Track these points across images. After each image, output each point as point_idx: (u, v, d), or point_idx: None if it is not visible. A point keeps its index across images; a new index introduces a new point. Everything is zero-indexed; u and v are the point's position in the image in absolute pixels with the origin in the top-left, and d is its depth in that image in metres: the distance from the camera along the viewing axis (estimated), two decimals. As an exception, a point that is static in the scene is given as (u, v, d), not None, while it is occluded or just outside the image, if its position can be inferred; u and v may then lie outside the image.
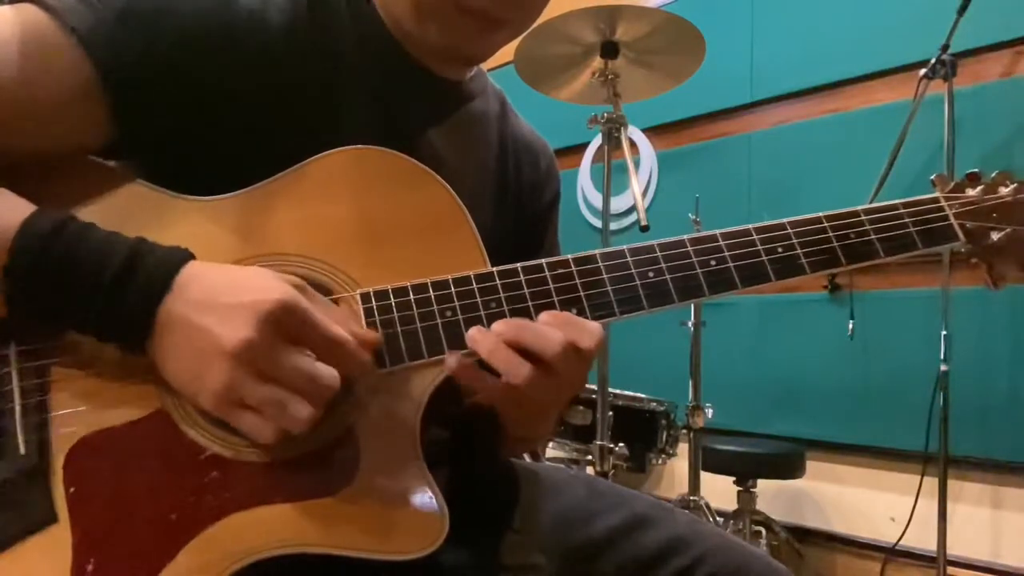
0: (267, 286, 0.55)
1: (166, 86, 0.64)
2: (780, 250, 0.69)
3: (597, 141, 2.45)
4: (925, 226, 0.71)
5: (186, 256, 0.58)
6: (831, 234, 0.69)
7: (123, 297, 0.55)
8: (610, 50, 1.73)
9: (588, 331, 0.62)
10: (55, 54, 0.60)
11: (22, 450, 0.55)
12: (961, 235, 0.72)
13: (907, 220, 0.71)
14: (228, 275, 0.57)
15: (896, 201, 0.72)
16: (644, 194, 2.99)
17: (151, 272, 0.55)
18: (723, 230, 0.69)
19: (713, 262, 0.68)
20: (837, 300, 2.49)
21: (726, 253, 0.68)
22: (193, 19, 0.64)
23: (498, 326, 0.62)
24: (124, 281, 0.55)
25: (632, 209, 2.83)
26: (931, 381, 2.06)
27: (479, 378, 0.63)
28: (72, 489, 0.55)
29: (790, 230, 0.69)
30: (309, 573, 0.57)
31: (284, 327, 0.55)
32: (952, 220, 0.72)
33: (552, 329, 0.61)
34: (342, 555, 0.56)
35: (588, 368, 0.65)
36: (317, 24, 0.71)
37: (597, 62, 1.77)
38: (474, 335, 0.62)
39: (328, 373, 0.56)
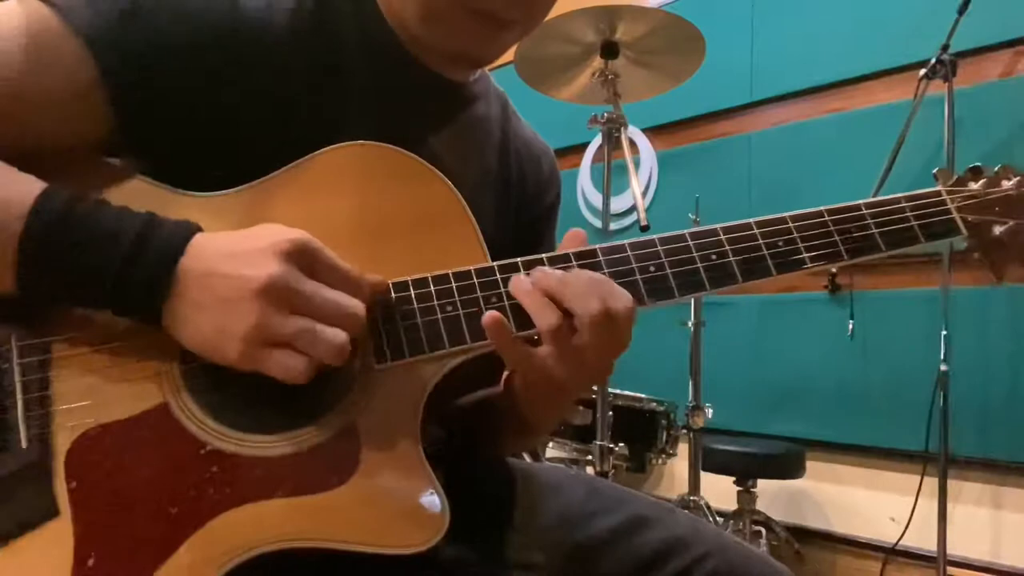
0: (280, 229, 0.58)
1: (168, 85, 0.64)
2: (781, 244, 0.68)
3: (597, 141, 2.45)
4: (927, 220, 0.70)
5: (196, 227, 0.59)
6: (832, 228, 0.69)
7: (140, 260, 0.56)
8: (610, 50, 1.73)
9: (618, 294, 0.62)
10: (58, 50, 0.60)
11: (24, 444, 0.56)
12: (963, 229, 0.71)
13: (909, 214, 0.70)
14: (238, 232, 0.59)
15: (898, 195, 0.71)
16: (644, 194, 2.98)
17: (166, 237, 0.57)
18: (724, 224, 0.69)
19: (714, 256, 0.68)
20: (837, 300, 2.49)
21: (727, 247, 0.68)
22: (197, 19, 0.65)
23: (538, 273, 0.63)
24: (140, 244, 0.56)
25: (632, 209, 2.83)
26: (931, 381, 2.06)
27: (511, 341, 0.63)
28: (74, 483, 0.55)
29: (791, 224, 0.69)
30: (310, 567, 0.57)
31: (304, 262, 0.57)
32: (954, 214, 0.71)
33: (591, 295, 0.61)
34: (343, 549, 0.56)
35: (617, 346, 0.64)
36: (321, 25, 0.71)
37: (597, 62, 1.77)
38: (515, 280, 0.63)
39: (353, 300, 0.58)
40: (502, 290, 0.64)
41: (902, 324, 2.34)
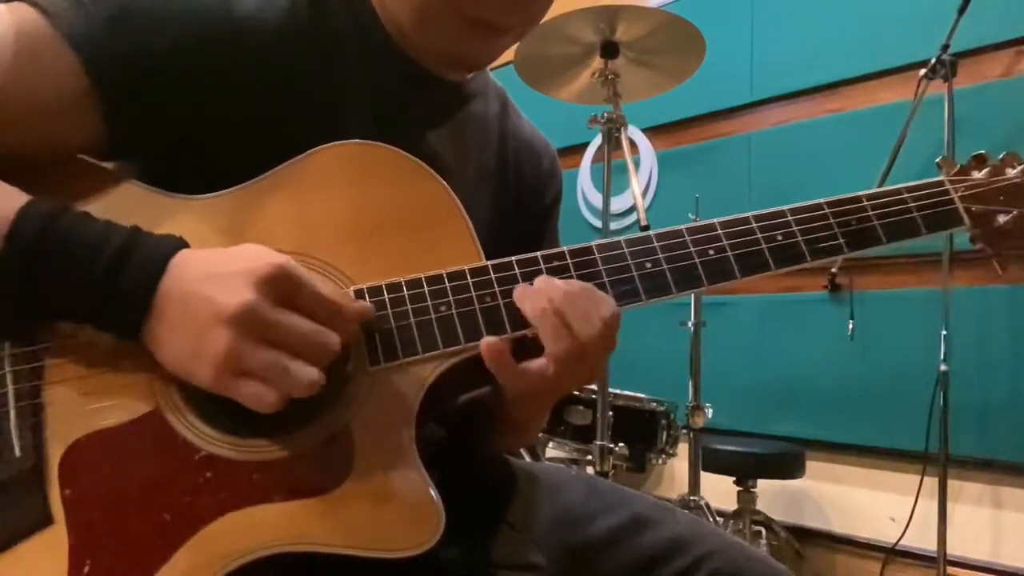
0: (261, 253, 0.57)
1: (159, 91, 0.63)
2: (780, 238, 0.68)
3: (597, 141, 2.45)
4: (929, 210, 0.69)
5: (180, 243, 0.58)
6: (832, 220, 0.68)
7: (119, 279, 0.55)
8: (610, 50, 1.73)
9: (603, 303, 0.64)
10: (48, 56, 0.59)
11: (17, 452, 0.55)
12: (967, 219, 0.70)
13: (911, 204, 0.69)
14: (221, 252, 0.58)
15: (900, 185, 0.70)
16: (644, 194, 2.98)
17: (147, 255, 0.56)
18: (721, 219, 0.68)
19: (712, 251, 0.67)
20: (837, 300, 2.49)
21: (725, 242, 0.67)
22: (188, 23, 0.64)
23: (544, 285, 0.63)
24: (120, 263, 0.55)
25: (632, 209, 2.83)
26: (931, 381, 2.06)
27: (508, 364, 0.63)
28: (68, 491, 0.55)
29: (790, 217, 0.68)
30: (305, 571, 0.57)
31: (281, 290, 0.55)
32: (958, 203, 0.70)
33: (594, 316, 0.62)
34: (338, 552, 0.56)
35: (609, 350, 0.65)
36: (316, 26, 0.70)
37: (597, 62, 1.77)
38: (524, 295, 0.63)
39: (328, 333, 0.56)
40: (496, 289, 0.64)
41: (902, 324, 2.34)
